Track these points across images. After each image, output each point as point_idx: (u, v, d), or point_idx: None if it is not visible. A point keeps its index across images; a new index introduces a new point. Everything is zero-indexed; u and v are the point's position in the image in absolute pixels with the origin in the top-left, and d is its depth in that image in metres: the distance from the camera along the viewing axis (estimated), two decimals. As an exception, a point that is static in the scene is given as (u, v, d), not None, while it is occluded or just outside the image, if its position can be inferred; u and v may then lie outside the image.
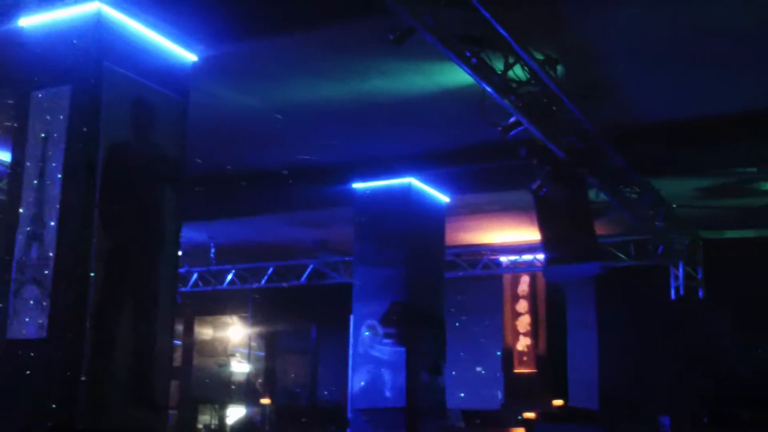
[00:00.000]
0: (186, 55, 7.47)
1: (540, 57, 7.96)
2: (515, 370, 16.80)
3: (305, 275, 15.93)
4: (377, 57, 8.12)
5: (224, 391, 20.90)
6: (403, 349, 10.93)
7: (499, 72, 7.80)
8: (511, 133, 8.64)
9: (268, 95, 9.12)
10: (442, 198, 12.08)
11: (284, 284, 16.23)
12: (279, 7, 7.06)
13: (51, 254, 6.54)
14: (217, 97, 8.91)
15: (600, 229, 10.93)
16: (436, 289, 11.98)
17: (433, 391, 11.41)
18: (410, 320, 11.06)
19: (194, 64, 7.53)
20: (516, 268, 15.87)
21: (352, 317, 11.56)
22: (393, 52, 7.42)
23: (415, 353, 11.03)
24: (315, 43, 7.92)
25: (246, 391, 20.60)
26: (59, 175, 6.64)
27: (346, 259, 14.91)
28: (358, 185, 11.52)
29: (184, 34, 7.29)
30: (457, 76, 8.14)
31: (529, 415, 14.58)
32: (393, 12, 6.49)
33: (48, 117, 6.77)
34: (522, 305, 17.00)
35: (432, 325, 11.57)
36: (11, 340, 6.51)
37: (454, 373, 16.16)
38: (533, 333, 16.81)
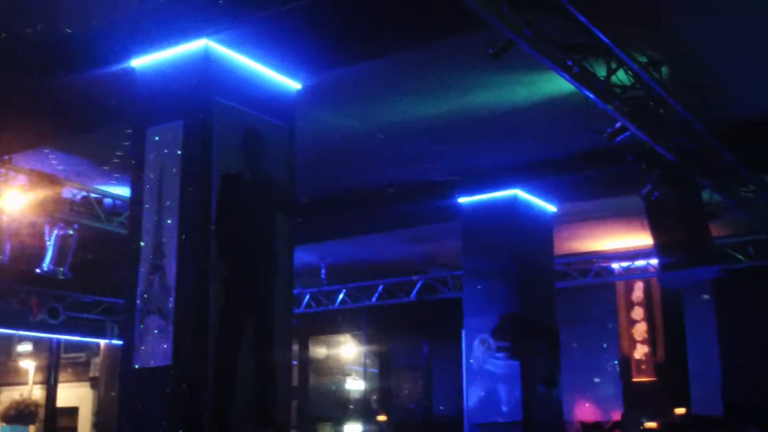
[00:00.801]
0: (290, 84, 7.67)
1: (643, 59, 7.82)
2: (634, 379, 16.42)
3: (415, 291, 15.98)
4: (477, 71, 8.13)
5: (341, 408, 21.16)
6: (517, 363, 10.83)
7: (602, 78, 7.69)
8: (618, 138, 8.48)
9: (370, 116, 9.24)
10: (549, 207, 11.95)
11: (395, 301, 16.31)
12: (378, 32, 7.15)
13: (172, 284, 6.78)
14: (321, 121, 9.08)
15: (716, 230, 10.60)
16: (547, 300, 11.84)
17: (550, 403, 11.25)
18: (523, 333, 10.96)
19: (298, 91, 7.72)
20: (629, 275, 15.49)
21: (463, 332, 11.53)
22: (493, 65, 7.40)
23: (530, 366, 10.91)
24: (414, 63, 7.99)
25: (362, 409, 20.79)
26: (176, 207, 6.90)
27: (456, 273, 14.90)
28: (463, 199, 11.52)
29: (288, 63, 7.47)
30: (559, 84, 8.07)
31: (651, 424, 14.23)
32: (491, 27, 6.49)
33: (163, 152, 7.06)
34: (637, 312, 16.62)
35: (545, 337, 11.43)
36: (139, 368, 6.78)
37: (570, 384, 15.92)
38: (651, 340, 16.41)
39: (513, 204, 11.33)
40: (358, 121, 9.30)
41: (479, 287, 11.33)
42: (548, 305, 11.83)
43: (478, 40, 6.89)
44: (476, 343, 11.20)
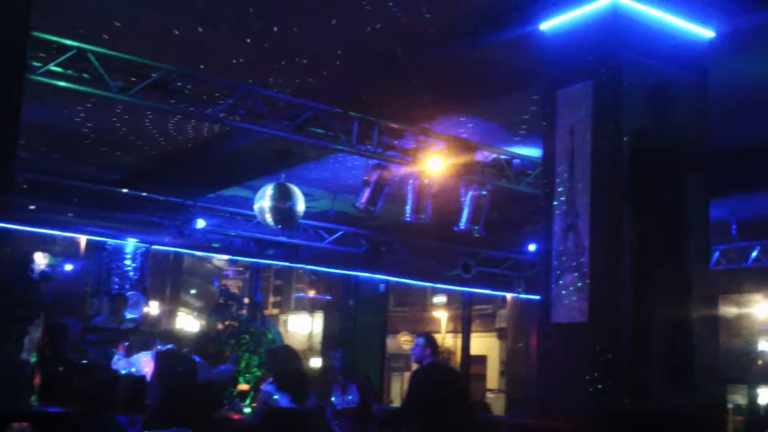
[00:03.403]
0: (702, 32, 7.33)
1: None
2: None
3: None
4: None
5: (754, 371, 19.98)
6: None
7: None
8: None
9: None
10: None
11: (821, 260, 14.90)
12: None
13: (585, 242, 6.90)
14: (737, 70, 8.53)
15: None
16: None
17: None
18: None
19: (711, 40, 7.36)
20: None
21: None
22: None
23: None
24: None
25: (778, 373, 19.46)
26: (588, 166, 6.99)
27: None
28: None
29: (699, 11, 7.16)
30: None
31: None
32: None
33: (574, 112, 7.16)
34: None
35: None
36: (556, 323, 7.02)
37: None
38: None
39: None
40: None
41: None
42: None
43: None
44: None
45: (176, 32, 8.45)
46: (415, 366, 9.48)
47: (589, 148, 6.98)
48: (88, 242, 15.43)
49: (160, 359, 8.40)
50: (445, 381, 9.12)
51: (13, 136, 4.89)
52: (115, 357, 9.93)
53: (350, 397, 9.80)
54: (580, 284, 6.86)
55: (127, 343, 10.09)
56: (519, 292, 17.70)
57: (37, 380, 9.19)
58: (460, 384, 9.52)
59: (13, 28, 5.08)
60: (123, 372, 9.55)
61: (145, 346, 10.27)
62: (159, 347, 9.65)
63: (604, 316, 6.70)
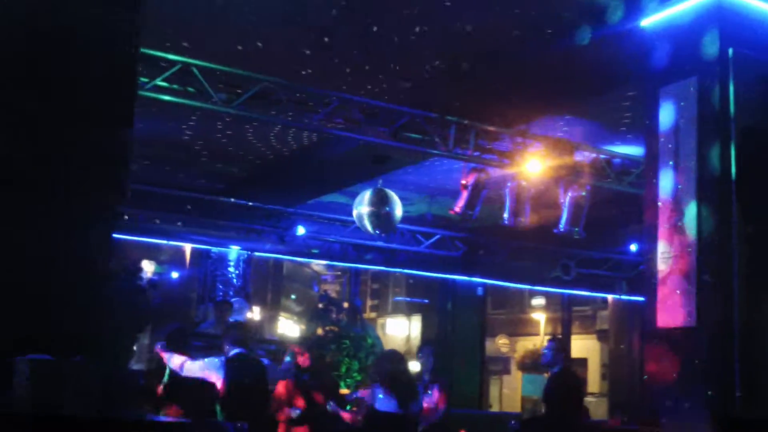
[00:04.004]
0: (814, 23, 7.07)
1: None
2: None
3: None
4: None
5: None
6: None
7: None
8: None
9: None
10: None
11: None
12: None
13: (692, 243, 6.72)
14: None
15: None
16: None
17: None
18: None
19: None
20: None
21: None
22: None
23: None
24: None
25: None
26: (693, 166, 6.81)
27: None
28: None
29: (810, 1, 6.92)
30: None
31: None
32: None
33: (677, 110, 7.00)
34: None
35: None
36: (662, 327, 6.85)
37: None
38: None
39: None
40: None
41: None
42: None
43: None
44: None
45: (272, 44, 8.62)
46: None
47: (695, 145, 6.81)
48: (193, 250, 15.87)
49: (229, 364, 8.49)
50: (575, 388, 9.15)
51: (127, 150, 5.07)
52: (173, 358, 9.45)
53: (429, 397, 9.73)
54: (687, 287, 6.69)
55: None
56: (621, 294, 17.34)
57: (159, 389, 9.28)
58: (583, 391, 9.51)
59: (125, 47, 5.27)
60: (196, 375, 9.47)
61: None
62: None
63: (714, 319, 6.52)
